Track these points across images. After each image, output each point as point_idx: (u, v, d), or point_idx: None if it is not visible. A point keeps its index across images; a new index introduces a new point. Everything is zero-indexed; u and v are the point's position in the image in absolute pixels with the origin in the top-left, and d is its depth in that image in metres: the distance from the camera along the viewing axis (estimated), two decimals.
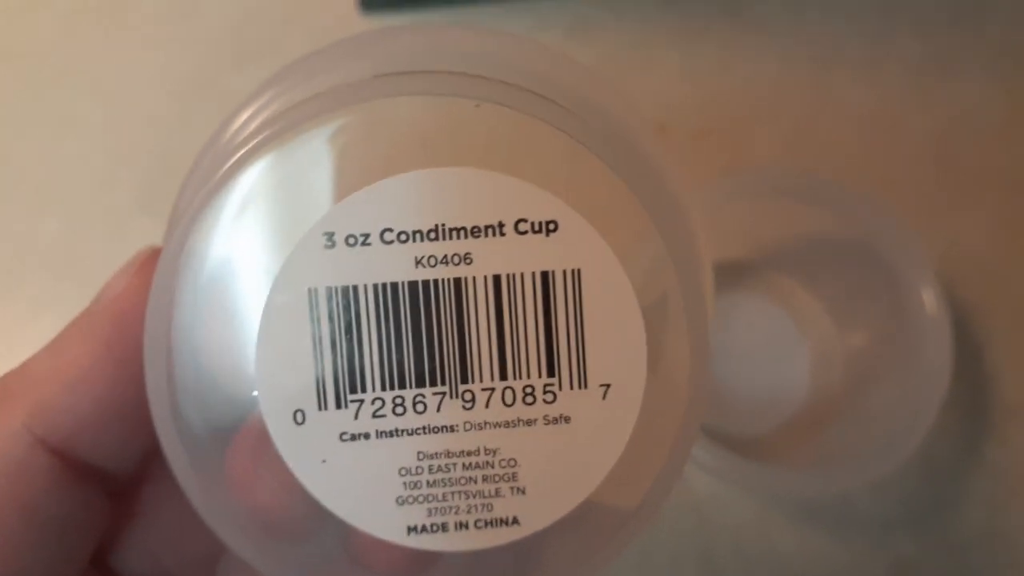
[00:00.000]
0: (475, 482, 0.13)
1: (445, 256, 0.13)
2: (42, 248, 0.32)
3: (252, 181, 0.13)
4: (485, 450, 0.13)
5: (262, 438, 0.13)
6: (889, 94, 0.35)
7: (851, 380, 0.30)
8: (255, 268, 0.13)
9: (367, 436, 0.13)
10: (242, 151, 0.13)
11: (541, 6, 0.35)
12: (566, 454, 0.14)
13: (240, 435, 0.13)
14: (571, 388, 0.13)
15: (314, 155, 0.13)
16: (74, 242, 0.32)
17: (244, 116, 0.16)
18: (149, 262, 0.15)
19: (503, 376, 0.13)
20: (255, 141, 0.13)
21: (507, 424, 0.13)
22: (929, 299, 0.27)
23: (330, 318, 0.13)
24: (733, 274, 0.32)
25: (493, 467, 0.13)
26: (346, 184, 0.13)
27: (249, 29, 0.35)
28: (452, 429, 0.13)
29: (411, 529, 0.13)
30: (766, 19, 0.35)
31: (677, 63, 0.35)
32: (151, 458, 0.15)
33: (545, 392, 0.13)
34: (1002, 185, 0.33)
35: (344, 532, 0.13)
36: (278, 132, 0.13)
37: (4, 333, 0.31)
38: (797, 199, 0.28)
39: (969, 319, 0.32)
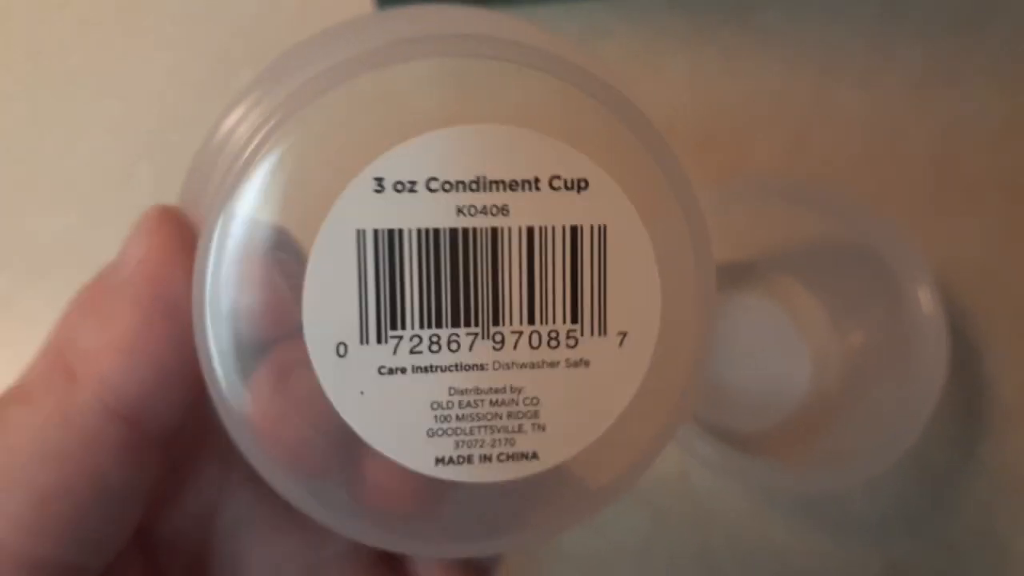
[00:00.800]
0: (500, 418, 0.14)
1: (484, 207, 0.14)
2: (62, 243, 0.33)
3: (294, 139, 0.14)
4: (512, 388, 0.14)
5: (290, 371, 0.14)
6: (890, 101, 0.35)
7: (849, 380, 0.31)
8: (301, 215, 0.14)
9: (404, 371, 0.14)
10: (280, 114, 0.14)
11: (550, 12, 0.36)
12: (584, 395, 0.15)
13: (265, 369, 0.14)
14: (592, 335, 0.14)
15: (354, 110, 0.14)
16: (93, 237, 0.33)
17: (264, 87, 0.17)
18: (164, 220, 0.16)
19: (531, 320, 0.14)
20: (298, 99, 0.14)
21: (533, 365, 0.14)
22: (926, 301, 0.28)
23: (376, 259, 0.14)
24: (735, 275, 0.32)
25: (518, 404, 0.14)
26: (390, 136, 0.14)
27: (264, 28, 0.36)
28: (482, 368, 0.14)
29: (439, 460, 0.14)
30: (770, 27, 0.36)
31: (685, 70, 0.36)
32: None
33: (568, 337, 0.14)
34: (1001, 191, 0.34)
35: (363, 466, 0.14)
36: (324, 87, 0.14)
37: (26, 326, 0.32)
38: (798, 204, 0.29)
39: (967, 323, 0.32)
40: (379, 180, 0.13)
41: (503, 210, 0.14)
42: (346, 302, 0.14)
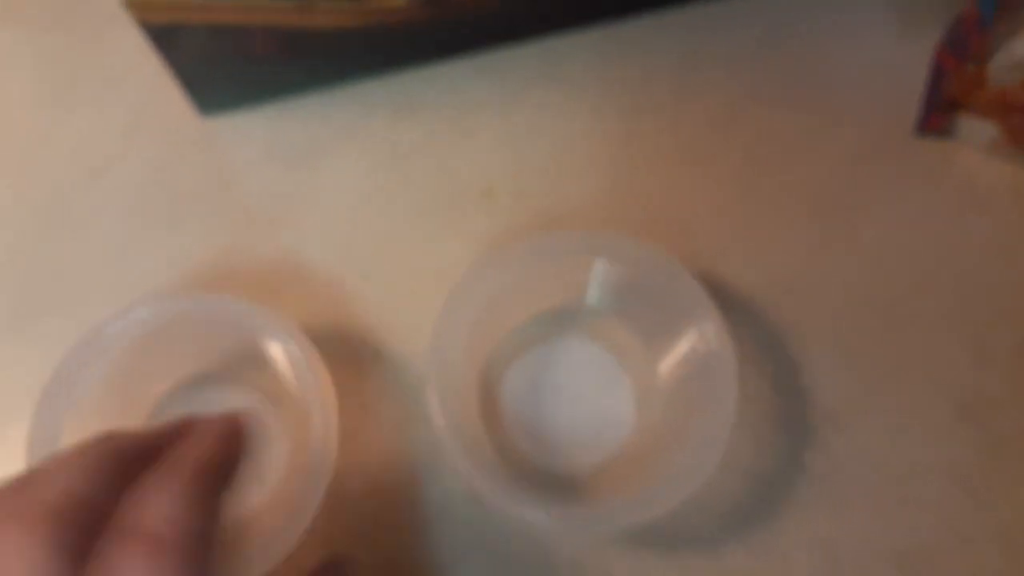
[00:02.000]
0: None
1: None
2: None
3: None
4: None
5: None
6: (694, 132, 0.37)
7: (667, 411, 0.32)
8: None
9: None
10: None
11: (365, 91, 0.38)
12: None
13: None
14: None
15: None
16: None
17: None
18: None
19: None
20: None
21: None
22: (711, 334, 0.30)
23: None
24: (559, 321, 0.34)
25: None
26: None
27: (99, 145, 0.38)
28: None
29: None
30: (575, 77, 0.38)
31: (497, 129, 0.38)
32: None
33: None
34: (806, 205, 0.36)
35: None
36: None
37: None
38: (598, 254, 0.31)
39: (784, 339, 0.34)
40: None
41: None
42: None
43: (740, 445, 0.32)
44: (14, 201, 0.37)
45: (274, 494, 0.32)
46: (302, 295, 0.35)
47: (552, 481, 0.32)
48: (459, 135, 0.37)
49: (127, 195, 0.37)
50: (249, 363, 0.32)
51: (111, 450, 0.21)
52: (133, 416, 0.32)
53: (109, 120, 0.38)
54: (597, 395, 0.33)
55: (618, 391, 0.33)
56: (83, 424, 0.29)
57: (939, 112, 0.36)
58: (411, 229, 0.36)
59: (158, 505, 0.20)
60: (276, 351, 0.30)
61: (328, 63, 0.36)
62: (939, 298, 0.34)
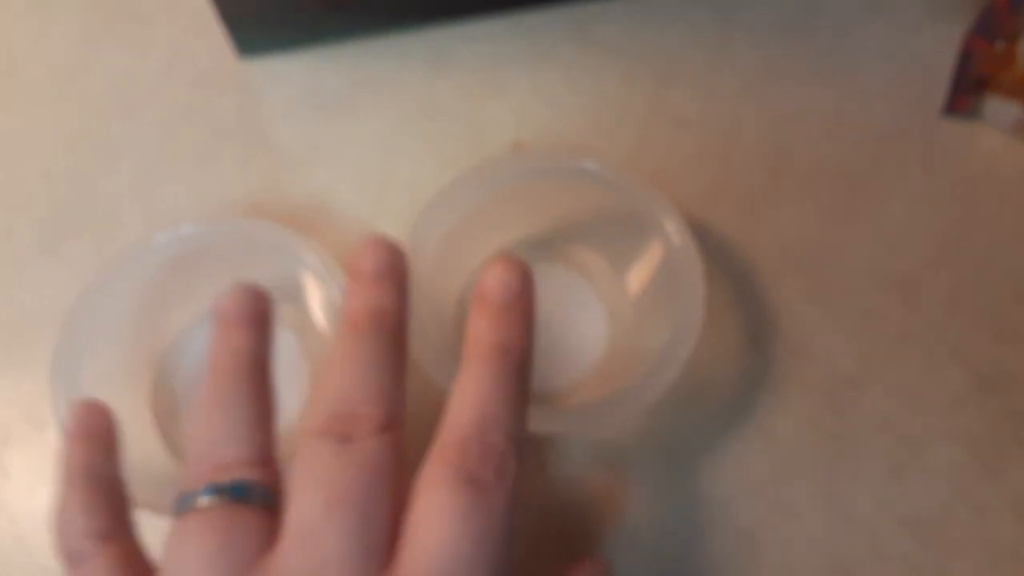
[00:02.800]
0: None
1: None
2: None
3: None
4: None
5: None
6: (724, 102, 0.38)
7: (636, 324, 0.33)
8: None
9: None
10: None
11: (402, 43, 0.39)
12: None
13: None
14: None
15: None
16: None
17: None
18: None
19: None
20: None
21: None
22: (676, 239, 0.30)
23: None
24: (531, 250, 0.35)
25: None
26: None
27: (134, 81, 0.38)
28: None
29: None
30: (608, 40, 0.39)
31: (529, 86, 0.38)
32: None
33: None
34: (830, 179, 0.36)
35: None
36: None
37: None
38: (571, 176, 0.31)
39: (807, 304, 0.34)
40: None
41: None
42: None
43: (755, 404, 0.33)
44: (49, 128, 0.37)
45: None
46: (331, 239, 0.35)
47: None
48: (491, 90, 0.38)
49: (161, 130, 0.37)
50: (282, 295, 0.32)
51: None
52: (159, 334, 0.32)
53: (146, 58, 0.39)
54: (569, 318, 0.34)
55: (589, 313, 0.34)
56: (108, 339, 0.30)
57: (966, 93, 0.36)
58: (441, 178, 0.36)
59: None
60: (312, 287, 0.30)
61: (368, 13, 0.37)
62: (959, 275, 0.35)
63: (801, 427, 0.33)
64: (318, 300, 0.31)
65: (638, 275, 0.33)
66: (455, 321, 0.33)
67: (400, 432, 0.22)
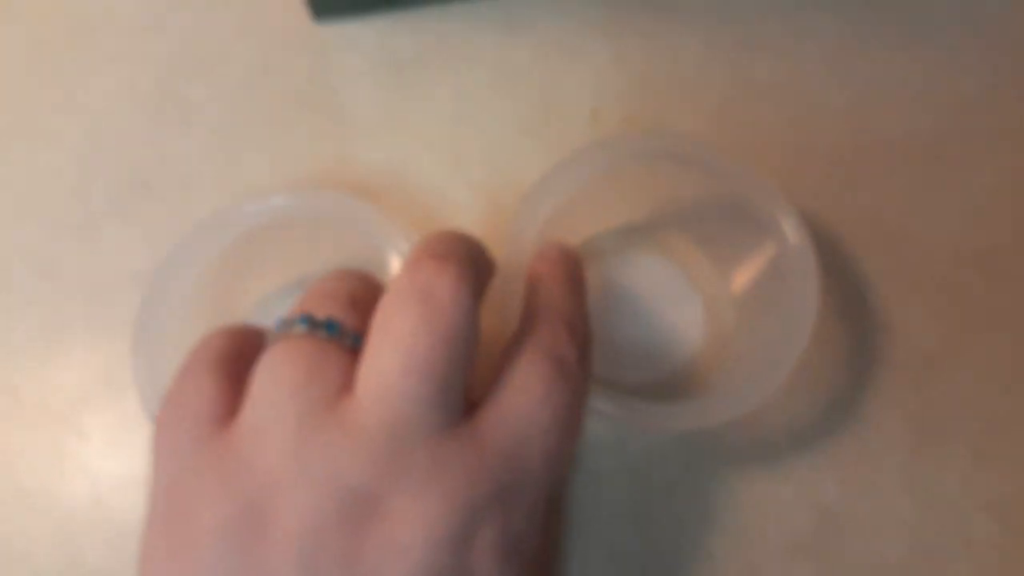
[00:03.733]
0: None
1: None
2: (24, 253, 0.35)
3: None
4: None
5: None
6: (807, 70, 0.37)
7: (739, 321, 0.32)
8: None
9: None
10: None
11: (476, 8, 0.38)
12: None
13: None
14: None
15: None
16: (52, 247, 0.35)
17: None
18: None
19: None
20: None
21: None
22: (794, 240, 0.29)
23: None
24: (630, 237, 0.34)
25: None
26: None
27: (208, 42, 0.38)
28: None
29: None
30: (687, 8, 0.38)
31: (606, 53, 0.37)
32: None
33: None
34: (919, 151, 0.35)
35: None
36: None
37: None
38: (679, 161, 0.30)
39: (888, 280, 0.33)
40: None
41: None
42: None
43: (838, 381, 0.32)
44: (122, 88, 0.37)
45: None
46: (405, 204, 0.34)
47: (619, 390, 0.32)
48: (567, 57, 0.37)
49: (233, 92, 0.37)
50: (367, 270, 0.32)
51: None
52: (239, 303, 0.32)
53: (219, 18, 0.38)
54: (665, 308, 0.33)
55: (687, 305, 0.33)
56: (190, 305, 0.29)
57: None
58: (516, 145, 0.36)
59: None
60: (397, 269, 0.29)
61: None
62: None
63: (887, 406, 0.32)
64: None
65: (743, 270, 0.32)
66: None
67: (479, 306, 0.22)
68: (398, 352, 0.20)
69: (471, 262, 0.22)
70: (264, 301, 0.33)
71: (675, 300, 0.33)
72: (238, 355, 0.23)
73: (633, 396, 0.26)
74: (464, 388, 0.21)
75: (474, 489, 0.20)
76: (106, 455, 0.32)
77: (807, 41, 0.37)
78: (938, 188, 0.35)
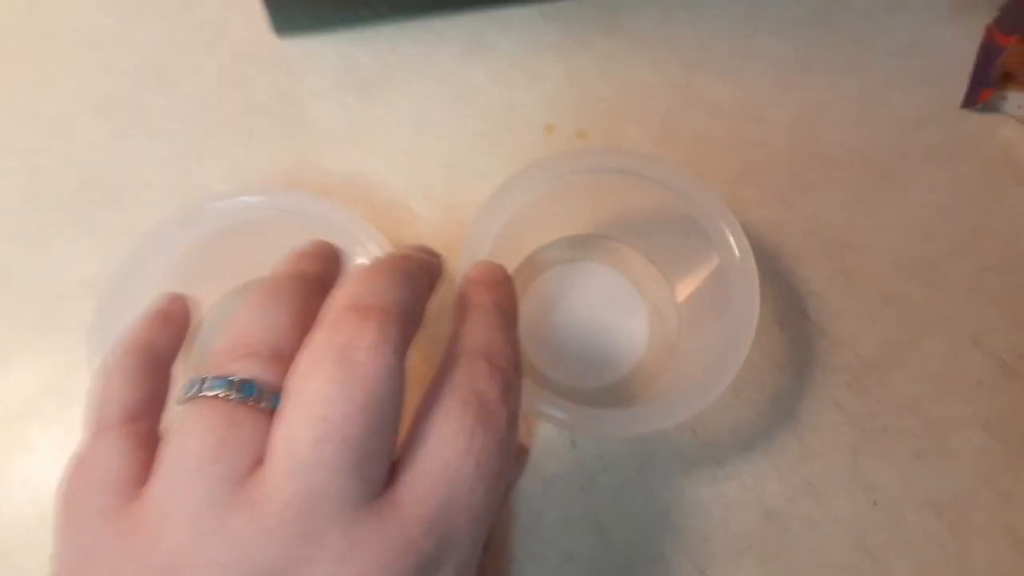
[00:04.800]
0: None
1: None
2: None
3: None
4: None
5: None
6: (752, 90, 0.38)
7: (683, 328, 0.33)
8: None
9: None
10: None
11: (438, 25, 0.39)
12: None
13: None
14: None
15: None
16: (3, 257, 0.35)
17: None
18: None
19: None
20: None
21: None
22: (735, 252, 0.30)
23: None
24: (580, 247, 0.35)
25: None
26: None
27: (170, 53, 0.38)
28: None
29: None
30: (639, 31, 0.39)
31: (562, 73, 0.38)
32: None
33: None
34: (856, 165, 0.37)
35: None
36: None
37: None
38: (628, 175, 0.31)
39: (831, 287, 0.35)
40: None
41: None
42: None
43: (780, 385, 0.33)
44: (83, 97, 0.38)
45: None
46: (367, 213, 0.35)
47: (568, 396, 0.32)
48: (525, 75, 0.38)
49: (197, 104, 0.37)
50: None
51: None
52: (200, 300, 0.32)
53: (184, 33, 0.39)
54: (612, 316, 0.34)
55: (633, 312, 0.34)
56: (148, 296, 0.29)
57: (987, 86, 0.37)
58: (474, 157, 0.37)
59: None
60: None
61: None
62: (980, 261, 0.35)
63: (826, 409, 0.33)
64: None
65: (687, 279, 0.33)
66: None
67: (406, 348, 0.21)
68: (311, 420, 0.18)
69: (399, 311, 0.20)
70: (225, 300, 0.33)
71: (622, 308, 0.34)
72: (144, 409, 0.22)
73: (583, 403, 0.27)
74: (387, 455, 0.20)
75: (394, 568, 0.18)
76: (52, 469, 0.32)
77: (752, 62, 0.39)
78: (876, 201, 0.36)
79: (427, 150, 0.37)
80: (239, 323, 0.21)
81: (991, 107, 0.38)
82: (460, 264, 0.28)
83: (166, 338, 0.24)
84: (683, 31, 0.39)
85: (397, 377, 0.19)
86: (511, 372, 0.22)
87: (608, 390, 0.33)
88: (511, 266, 0.34)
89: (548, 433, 0.32)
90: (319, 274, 0.24)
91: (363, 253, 0.29)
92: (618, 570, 0.31)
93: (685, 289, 0.33)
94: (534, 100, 0.38)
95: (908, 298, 0.35)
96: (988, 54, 0.37)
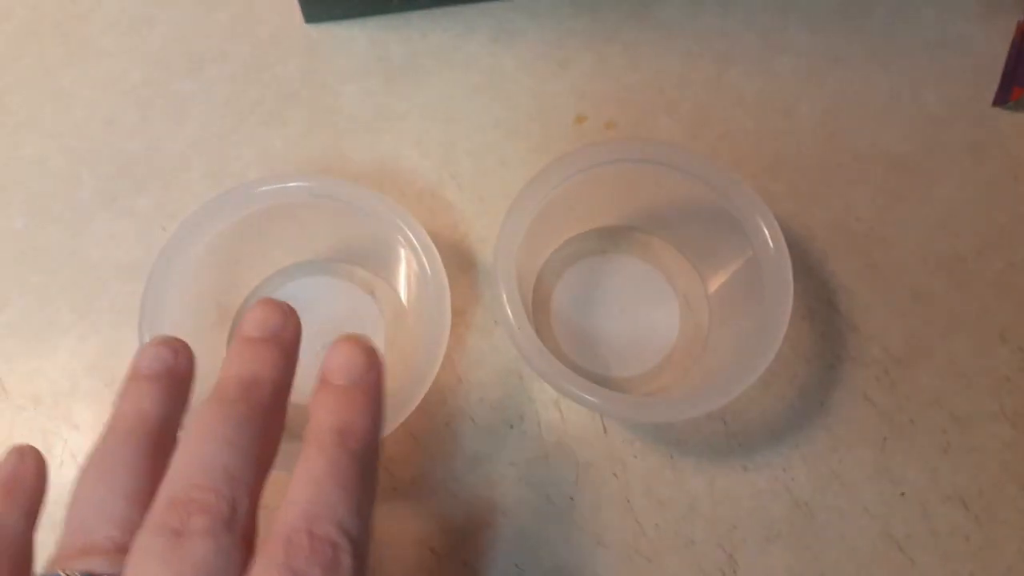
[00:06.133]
0: None
1: None
2: (11, 243, 0.35)
3: None
4: None
5: None
6: (781, 82, 0.38)
7: (714, 318, 0.34)
8: None
9: None
10: None
11: (467, 13, 0.39)
12: None
13: None
14: None
15: None
16: (40, 237, 0.35)
17: None
18: None
19: None
20: None
21: None
22: (771, 238, 0.30)
23: None
24: (609, 239, 0.35)
25: None
26: None
27: (199, 38, 0.38)
28: None
29: None
30: (669, 21, 0.39)
31: (591, 62, 0.38)
32: None
33: None
34: (885, 160, 0.37)
35: None
36: None
37: None
38: (659, 166, 0.31)
39: (855, 282, 0.35)
40: None
41: None
42: None
43: (810, 378, 0.34)
44: (112, 81, 0.38)
45: None
46: (399, 202, 0.35)
47: (600, 385, 0.33)
48: (555, 64, 0.38)
49: (226, 89, 0.37)
50: (373, 262, 0.33)
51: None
52: (242, 283, 0.32)
53: (212, 17, 0.39)
54: (643, 307, 0.34)
55: (664, 304, 0.34)
56: (194, 284, 0.30)
57: (1019, 84, 0.37)
58: (505, 146, 0.37)
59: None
60: (407, 258, 0.30)
61: None
62: (1008, 259, 0.36)
63: (856, 401, 0.33)
64: (406, 272, 0.31)
65: (719, 272, 0.33)
66: (531, 298, 0.34)
67: (247, 522, 0.19)
68: None
69: (231, 486, 0.19)
70: (269, 280, 0.33)
71: (653, 300, 0.34)
72: None
73: (616, 390, 0.27)
74: None
75: None
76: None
77: (782, 56, 0.39)
78: (904, 197, 0.36)
79: (457, 138, 0.37)
80: (79, 502, 0.21)
81: (1023, 105, 0.38)
82: (495, 255, 0.29)
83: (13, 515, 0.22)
84: (712, 23, 0.40)
85: (230, 553, 0.18)
86: (342, 539, 0.19)
87: (639, 380, 0.33)
88: (542, 257, 0.34)
89: (581, 420, 0.33)
90: (161, 414, 0.22)
91: (404, 242, 0.29)
92: (649, 555, 0.31)
93: (716, 281, 0.33)
94: (563, 89, 0.38)
95: (936, 293, 0.35)
96: (1020, 52, 0.37)
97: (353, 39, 0.38)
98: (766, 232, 0.30)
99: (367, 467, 0.20)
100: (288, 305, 0.23)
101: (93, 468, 0.21)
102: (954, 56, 0.39)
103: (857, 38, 0.39)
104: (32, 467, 0.23)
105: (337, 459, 0.20)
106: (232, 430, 0.20)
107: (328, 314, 0.33)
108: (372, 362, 0.22)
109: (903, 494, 0.32)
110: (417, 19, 0.39)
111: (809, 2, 0.40)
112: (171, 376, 0.22)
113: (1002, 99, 0.38)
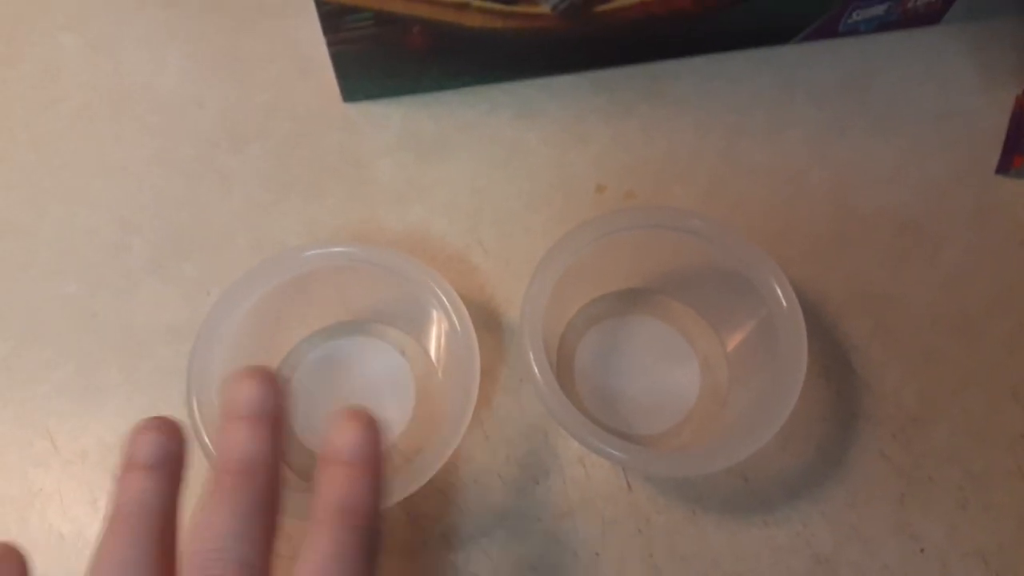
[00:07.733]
0: None
1: None
2: (63, 307, 0.37)
3: None
4: None
5: None
6: (790, 153, 0.40)
7: (732, 377, 0.35)
8: None
9: None
10: None
11: (492, 92, 0.42)
12: None
13: None
14: None
15: None
16: (91, 301, 0.37)
17: None
18: None
19: None
20: None
21: None
22: (785, 301, 0.31)
23: None
24: (630, 302, 0.37)
25: None
26: None
27: (241, 116, 0.41)
28: None
29: None
30: (682, 98, 0.42)
31: (609, 136, 0.41)
32: None
33: None
34: (891, 225, 0.39)
35: None
36: None
37: (31, 379, 0.36)
38: (677, 232, 0.33)
39: (869, 342, 0.36)
40: None
41: None
42: None
43: (827, 436, 0.34)
44: (161, 157, 0.40)
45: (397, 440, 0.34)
46: (428, 265, 0.37)
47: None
48: (574, 139, 0.41)
49: (267, 164, 0.40)
50: (404, 323, 0.35)
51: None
52: (283, 341, 0.34)
53: (254, 98, 0.42)
54: (664, 367, 0.36)
55: (684, 363, 0.36)
56: (240, 345, 0.31)
57: (1019, 153, 0.39)
58: (529, 214, 0.39)
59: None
60: (440, 319, 0.32)
61: (465, 64, 0.40)
62: (1018, 318, 0.37)
63: (872, 458, 0.34)
64: (436, 331, 0.33)
65: (736, 332, 0.35)
66: (555, 357, 0.36)
67: None
68: None
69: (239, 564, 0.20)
70: (307, 340, 0.35)
71: (673, 359, 0.36)
72: None
73: (639, 445, 0.28)
74: None
75: None
76: None
77: (790, 128, 0.41)
78: (911, 259, 0.38)
79: (484, 207, 0.39)
80: None
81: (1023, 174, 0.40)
82: (522, 314, 0.30)
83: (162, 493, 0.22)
84: (722, 97, 0.42)
85: None
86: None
87: (660, 437, 0.34)
88: (565, 318, 0.36)
89: (606, 476, 0.34)
90: (166, 506, 0.22)
91: (435, 303, 0.31)
92: None
93: (734, 340, 0.35)
94: (584, 161, 0.40)
95: (948, 353, 0.36)
96: (1019, 123, 0.39)
97: (388, 116, 0.41)
98: (779, 291, 0.31)
99: (370, 541, 0.21)
100: (268, 371, 0.23)
101: (103, 572, 0.21)
102: (956, 127, 0.41)
103: (861, 111, 0.42)
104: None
105: (342, 540, 0.21)
106: (240, 523, 0.21)
107: (362, 371, 0.35)
108: (372, 437, 0.22)
109: (923, 550, 0.33)
110: (447, 98, 0.42)
111: (813, 77, 0.42)
112: (170, 462, 0.22)
113: (1004, 167, 0.39)
